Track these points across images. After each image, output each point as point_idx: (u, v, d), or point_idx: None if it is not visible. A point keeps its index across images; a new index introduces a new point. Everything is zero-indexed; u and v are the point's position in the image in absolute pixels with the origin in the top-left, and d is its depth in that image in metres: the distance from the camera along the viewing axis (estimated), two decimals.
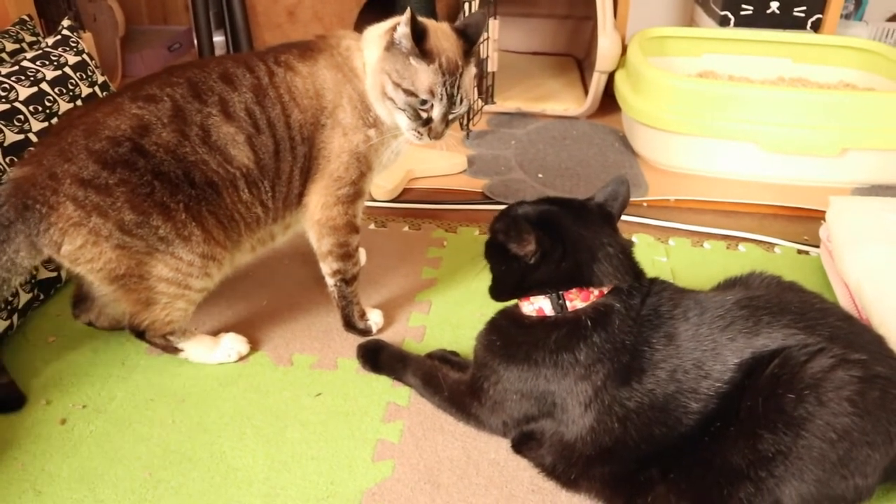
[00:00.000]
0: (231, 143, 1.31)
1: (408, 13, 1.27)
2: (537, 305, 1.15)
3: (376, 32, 1.39)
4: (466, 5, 2.32)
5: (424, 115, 1.35)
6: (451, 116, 1.37)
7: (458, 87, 1.35)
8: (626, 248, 1.16)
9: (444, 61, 1.32)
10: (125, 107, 1.26)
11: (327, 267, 1.49)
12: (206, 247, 1.31)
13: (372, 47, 1.37)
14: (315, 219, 1.43)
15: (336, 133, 1.38)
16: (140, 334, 1.39)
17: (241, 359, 1.45)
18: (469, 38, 1.37)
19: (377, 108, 1.39)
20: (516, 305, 1.21)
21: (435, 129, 1.36)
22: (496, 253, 1.18)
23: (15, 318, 1.47)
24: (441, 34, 1.35)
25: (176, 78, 1.31)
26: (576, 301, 1.13)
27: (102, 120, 1.24)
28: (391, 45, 1.32)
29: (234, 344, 1.46)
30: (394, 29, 1.32)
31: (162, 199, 1.25)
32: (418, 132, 1.36)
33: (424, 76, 1.31)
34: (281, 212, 1.42)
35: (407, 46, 1.29)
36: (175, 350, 1.42)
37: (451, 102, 1.35)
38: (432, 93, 1.32)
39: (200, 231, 1.30)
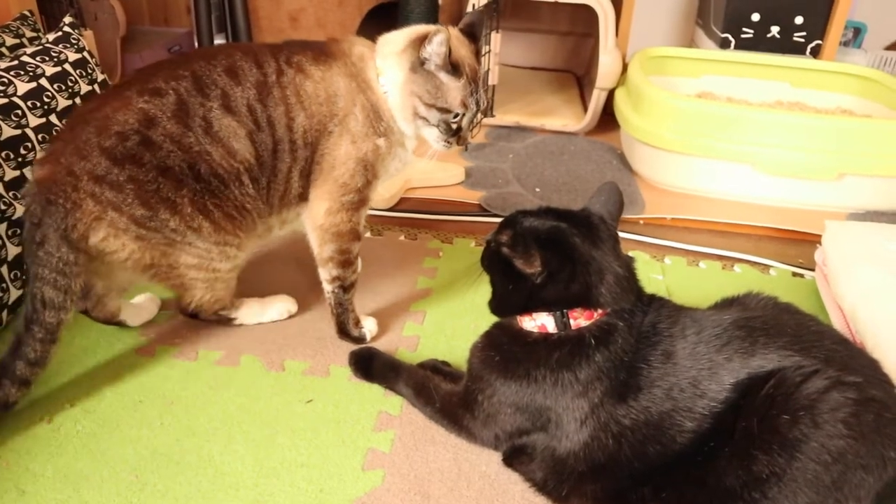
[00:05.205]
0: (233, 136, 1.31)
1: (443, 33, 1.29)
2: (540, 322, 1.14)
3: (393, 48, 1.38)
4: None
5: (455, 126, 1.39)
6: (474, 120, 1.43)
7: (480, 92, 1.40)
8: (630, 267, 1.15)
9: (469, 72, 1.36)
10: (133, 101, 1.27)
11: (326, 273, 1.48)
12: (217, 236, 1.34)
13: (391, 65, 1.37)
14: (318, 224, 1.43)
15: (344, 140, 1.38)
16: (193, 315, 1.48)
17: (291, 316, 1.58)
18: (475, 39, 1.42)
19: (404, 126, 1.41)
20: (514, 318, 1.19)
21: (464, 136, 1.42)
22: (499, 266, 1.15)
23: (4, 314, 1.45)
24: (458, 42, 1.37)
25: (182, 70, 1.31)
26: (580, 319, 1.12)
27: (112, 115, 1.26)
28: (417, 66, 1.33)
29: (283, 304, 1.57)
30: (415, 45, 1.33)
31: (167, 194, 1.27)
32: (448, 142, 1.41)
33: (456, 92, 1.35)
34: (277, 208, 1.43)
35: (438, 64, 1.32)
36: (229, 321, 1.52)
37: (477, 108, 1.40)
38: (465, 105, 1.37)
39: (209, 223, 1.32)
